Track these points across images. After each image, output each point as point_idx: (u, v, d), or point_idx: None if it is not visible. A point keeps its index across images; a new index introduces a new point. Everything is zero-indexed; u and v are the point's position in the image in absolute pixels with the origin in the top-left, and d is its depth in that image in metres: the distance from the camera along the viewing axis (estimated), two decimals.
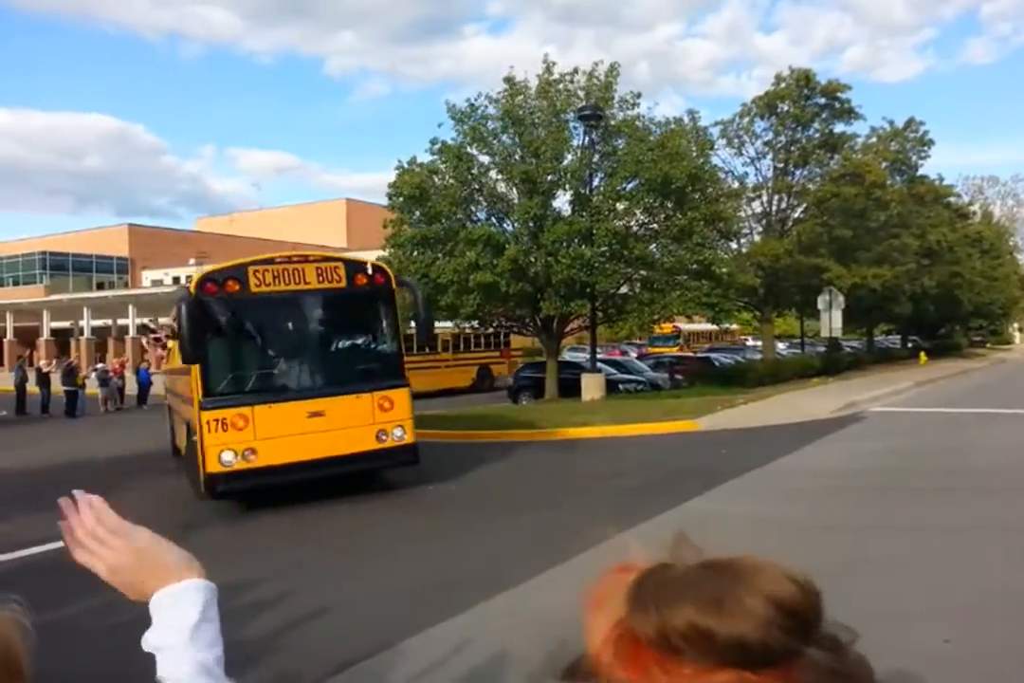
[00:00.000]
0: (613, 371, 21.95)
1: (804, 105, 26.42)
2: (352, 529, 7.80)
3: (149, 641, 0.90)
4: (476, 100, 19.32)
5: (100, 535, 0.94)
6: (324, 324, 9.31)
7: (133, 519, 0.98)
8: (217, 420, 8.32)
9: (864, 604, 4.85)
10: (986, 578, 5.38)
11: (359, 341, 9.65)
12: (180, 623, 0.88)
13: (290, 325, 9.11)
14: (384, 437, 8.98)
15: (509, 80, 19.34)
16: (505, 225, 19.73)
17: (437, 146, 18.87)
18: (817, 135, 27.04)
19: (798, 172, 27.54)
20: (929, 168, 38.21)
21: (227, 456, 8.30)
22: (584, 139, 19.29)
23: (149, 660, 0.93)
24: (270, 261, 8.83)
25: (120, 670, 4.24)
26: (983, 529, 6.64)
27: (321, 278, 8.81)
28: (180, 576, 0.92)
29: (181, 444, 11.63)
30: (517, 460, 11.77)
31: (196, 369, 8.38)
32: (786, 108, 26.57)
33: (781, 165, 27.24)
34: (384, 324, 9.42)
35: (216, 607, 0.93)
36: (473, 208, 19.61)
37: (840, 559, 5.92)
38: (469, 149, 19.05)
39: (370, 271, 9.21)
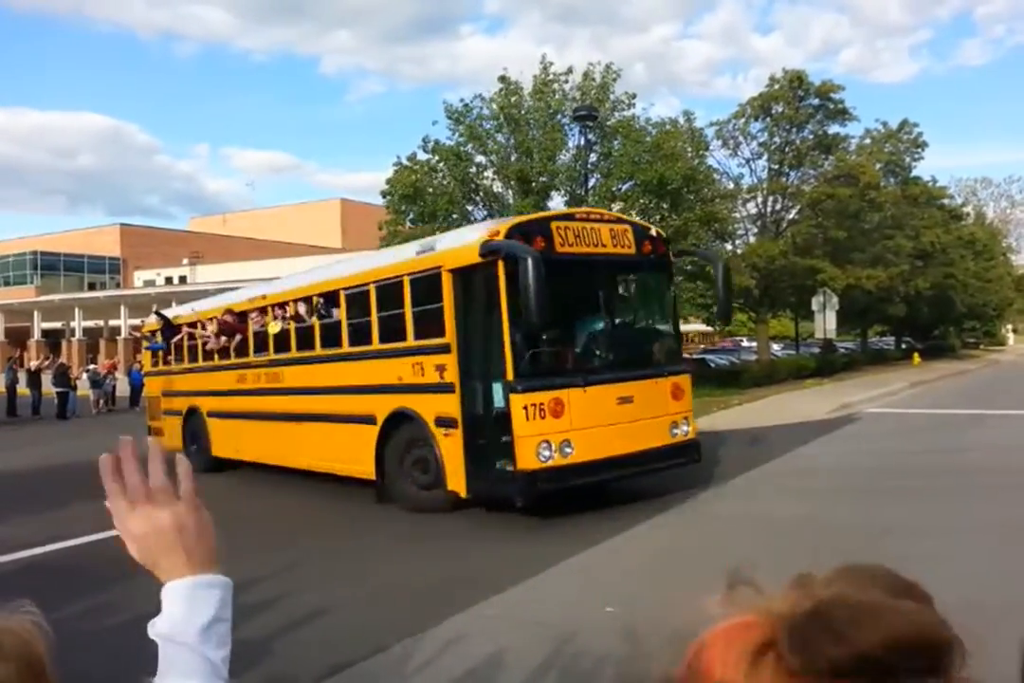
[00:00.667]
0: None
1: (798, 106, 26.47)
2: (350, 529, 7.74)
3: (157, 628, 0.85)
4: (472, 100, 19.31)
5: (155, 492, 0.88)
6: (617, 296, 8.28)
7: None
8: (534, 405, 6.91)
9: None
10: (987, 580, 5.36)
11: (649, 317, 8.68)
12: (195, 619, 0.84)
13: (588, 294, 7.75)
14: (675, 430, 7.95)
15: (504, 79, 19.33)
16: None
17: (431, 145, 18.84)
18: (811, 136, 27.10)
19: (793, 173, 27.59)
20: (923, 169, 38.43)
21: (545, 449, 6.96)
22: (580, 140, 19.29)
23: (146, 663, 0.88)
24: (570, 217, 7.79)
25: (116, 673, 4.17)
26: (982, 530, 6.63)
27: (615, 242, 7.63)
28: (206, 567, 0.87)
29: (234, 449, 11.02)
30: None
31: (506, 342, 6.89)
32: (780, 109, 26.61)
33: (776, 166, 27.27)
34: (665, 299, 8.47)
35: (231, 607, 0.89)
36: (470, 208, 19.57)
37: (841, 560, 5.88)
38: (466, 148, 19.01)
39: (655, 236, 8.20)
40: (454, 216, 18.99)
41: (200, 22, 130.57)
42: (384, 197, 19.25)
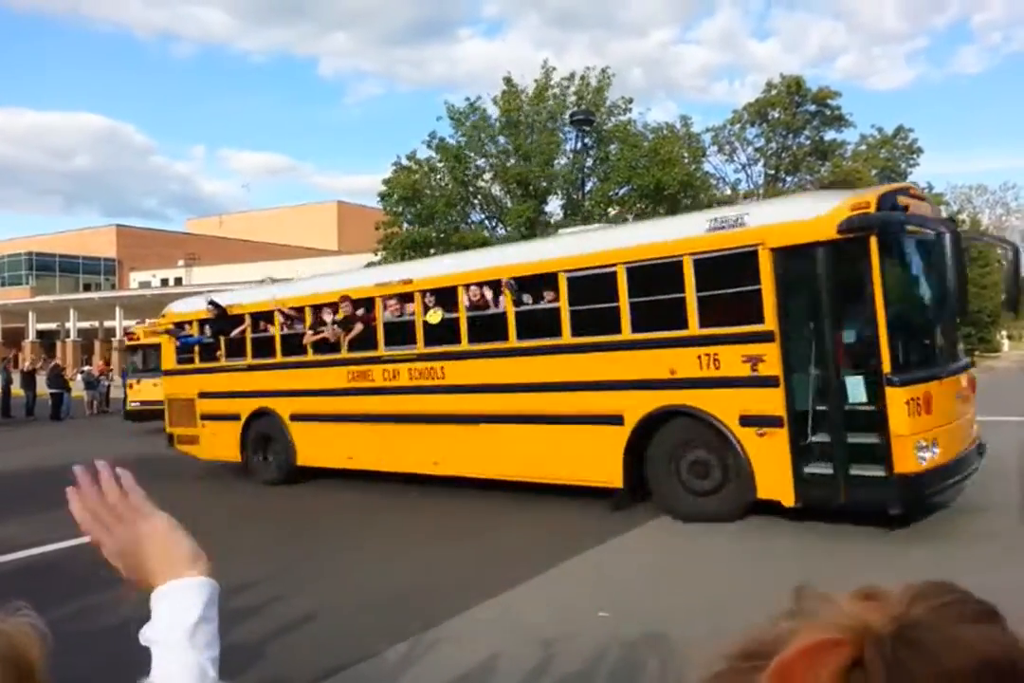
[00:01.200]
0: None
1: (795, 112, 26.62)
2: (343, 531, 7.72)
3: (146, 635, 0.88)
4: (476, 101, 19.30)
5: (119, 511, 0.90)
6: (946, 280, 6.84)
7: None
8: (914, 400, 6.20)
9: None
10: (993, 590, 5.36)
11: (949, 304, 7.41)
12: (180, 621, 0.85)
13: (922, 278, 6.93)
14: (974, 428, 7.44)
15: (508, 81, 19.32)
16: (498, 229, 19.72)
17: (435, 142, 18.80)
18: (808, 142, 27.24)
19: (789, 179, 27.72)
20: (919, 176, 38.37)
21: (924, 450, 6.24)
22: (576, 144, 19.34)
23: (139, 664, 0.89)
24: (905, 191, 6.92)
25: (111, 676, 4.16)
26: (991, 538, 6.63)
27: (933, 223, 6.60)
28: (185, 571, 0.88)
29: (342, 457, 9.61)
30: None
31: (882, 330, 6.15)
32: (777, 115, 26.75)
33: (772, 172, 27.41)
34: (957, 284, 6.57)
35: (216, 607, 0.90)
36: (468, 210, 19.60)
37: (856, 564, 5.90)
38: (467, 151, 19.02)
39: (950, 219, 7.53)
40: (452, 218, 19.00)
41: (198, 23, 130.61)
42: (382, 199, 19.25)
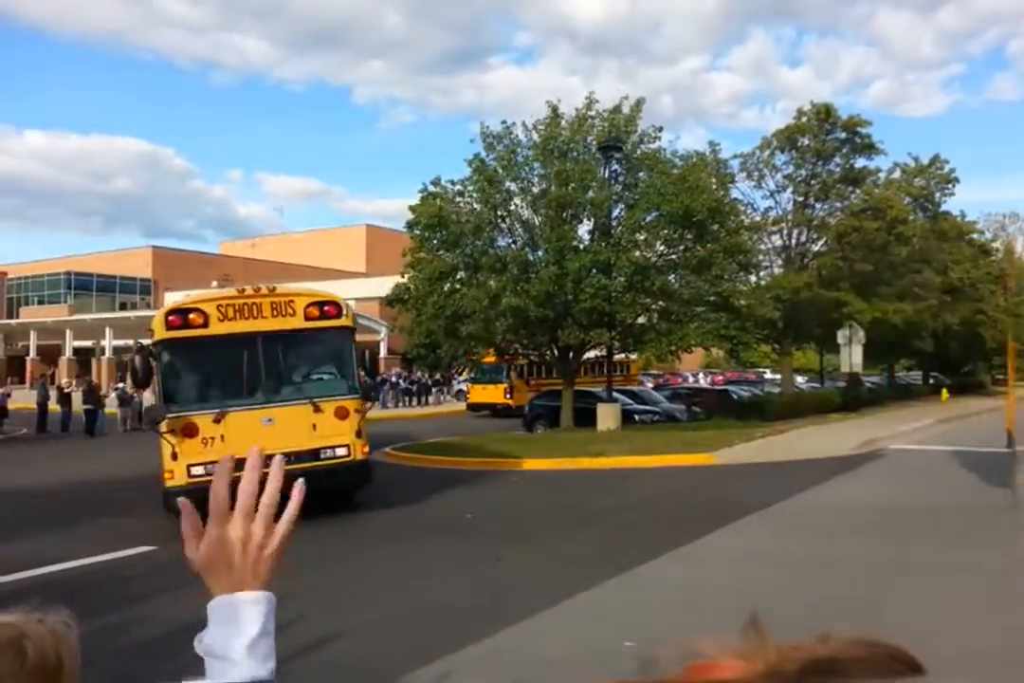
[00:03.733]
0: (629, 401, 21.81)
1: (824, 139, 26.54)
2: (356, 555, 7.74)
3: (204, 643, 0.88)
4: (511, 125, 19.48)
5: (263, 510, 0.90)
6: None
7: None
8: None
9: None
10: (1013, 621, 5.23)
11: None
12: (241, 636, 0.87)
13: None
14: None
15: (555, 108, 19.56)
16: (529, 254, 19.81)
17: (476, 162, 18.96)
18: (838, 169, 27.11)
19: (818, 206, 27.56)
20: (952, 203, 38.27)
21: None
22: (606, 171, 19.45)
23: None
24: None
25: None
26: (1007, 571, 6.48)
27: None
28: (252, 583, 0.90)
29: None
30: (530, 490, 11.68)
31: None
32: (807, 142, 26.69)
33: (801, 198, 27.27)
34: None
35: (274, 619, 0.91)
36: (496, 234, 19.71)
37: (863, 597, 5.79)
38: (499, 173, 19.17)
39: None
40: (479, 243, 19.12)
41: (238, 52, 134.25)
42: (409, 228, 19.45)
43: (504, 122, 19.63)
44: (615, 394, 20.60)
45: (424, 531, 8.78)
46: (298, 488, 0.95)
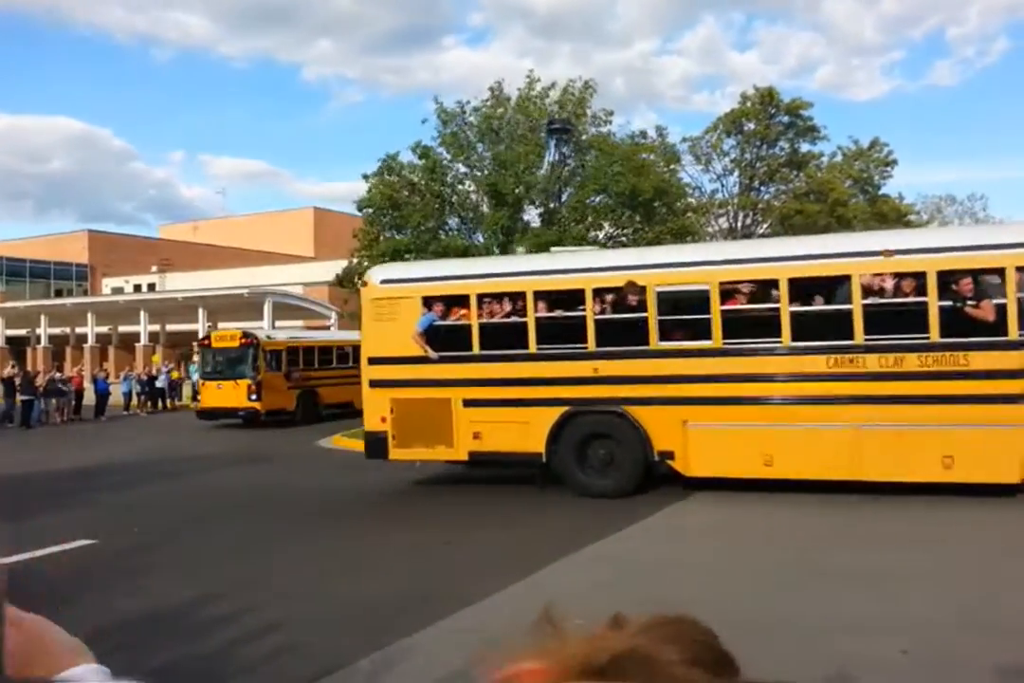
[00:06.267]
0: None
1: (768, 123, 26.93)
2: (313, 542, 7.64)
3: None
4: (465, 104, 19.33)
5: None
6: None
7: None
8: None
9: (827, 615, 4.86)
10: (942, 592, 5.43)
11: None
12: None
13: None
14: None
15: (493, 90, 19.50)
16: (475, 236, 19.72)
17: (420, 149, 18.78)
18: (782, 153, 27.57)
19: (763, 189, 28.02)
20: (891, 186, 39.15)
21: None
22: (554, 154, 19.41)
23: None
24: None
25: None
26: (942, 543, 6.72)
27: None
28: (76, 661, 0.84)
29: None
30: (491, 474, 11.68)
31: None
32: (752, 126, 27.05)
33: (747, 182, 27.68)
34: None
35: None
36: (445, 218, 19.58)
37: (802, 571, 5.94)
38: (446, 154, 19.03)
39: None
40: (429, 226, 18.96)
41: (179, 27, 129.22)
42: (361, 210, 19.16)
43: (459, 102, 19.47)
44: None
45: (376, 515, 8.71)
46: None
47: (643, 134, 21.79)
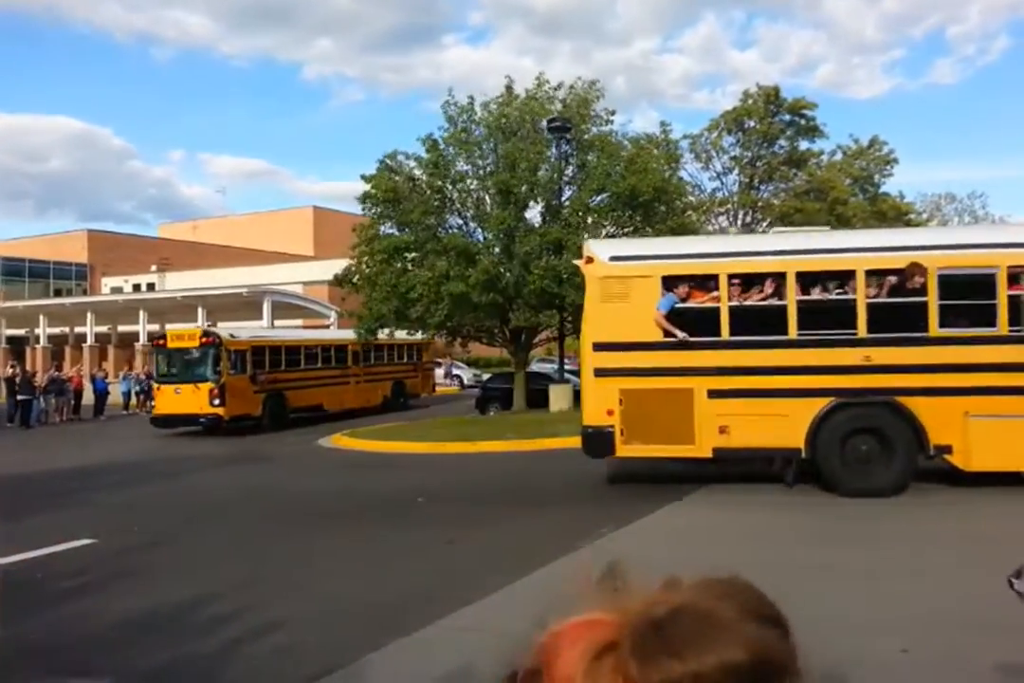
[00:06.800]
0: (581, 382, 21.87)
1: (770, 122, 26.92)
2: (312, 542, 7.62)
3: None
4: (472, 102, 19.31)
5: None
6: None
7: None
8: None
9: (827, 615, 4.84)
10: (941, 590, 5.42)
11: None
12: None
13: None
14: None
15: (509, 87, 19.58)
16: (477, 235, 19.67)
17: (428, 142, 18.75)
18: (783, 152, 27.56)
19: (763, 187, 28.02)
20: (891, 185, 39.11)
21: None
22: (555, 152, 19.37)
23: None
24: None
25: (123, 661, 4.04)
26: (937, 540, 6.71)
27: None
28: None
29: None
30: (483, 472, 11.66)
31: None
32: (753, 124, 27.04)
33: (747, 180, 27.68)
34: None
35: None
36: (447, 216, 19.53)
37: (802, 570, 5.93)
38: (450, 151, 18.99)
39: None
40: (429, 223, 18.90)
41: (179, 26, 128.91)
42: (363, 202, 19.06)
43: (470, 97, 19.42)
44: (567, 375, 20.69)
45: (373, 516, 8.69)
46: None
47: (650, 138, 21.75)
